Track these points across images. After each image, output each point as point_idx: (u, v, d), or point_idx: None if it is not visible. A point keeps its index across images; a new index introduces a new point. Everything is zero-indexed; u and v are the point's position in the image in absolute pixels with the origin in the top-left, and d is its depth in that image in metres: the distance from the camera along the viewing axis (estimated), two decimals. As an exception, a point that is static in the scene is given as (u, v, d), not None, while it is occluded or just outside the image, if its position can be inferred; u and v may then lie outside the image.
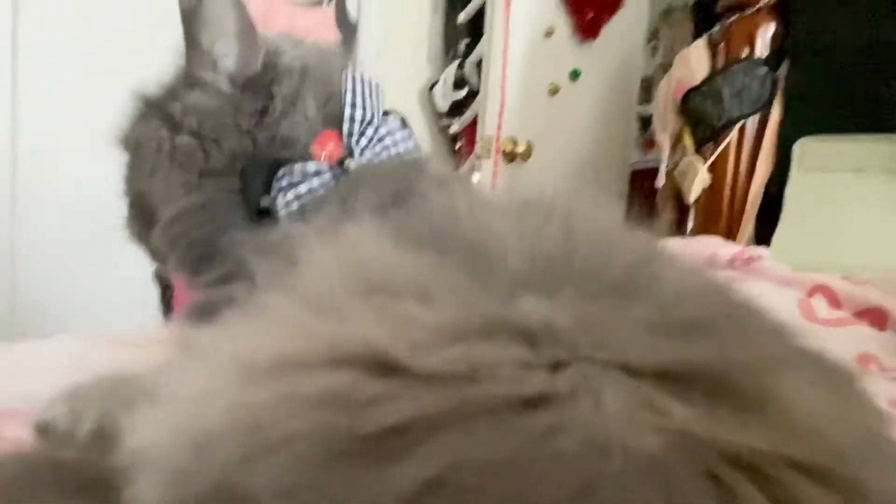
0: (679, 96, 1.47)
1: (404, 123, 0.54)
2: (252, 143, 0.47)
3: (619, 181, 2.21)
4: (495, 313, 0.26)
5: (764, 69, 1.39)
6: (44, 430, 0.49)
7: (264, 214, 0.47)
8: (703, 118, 1.44)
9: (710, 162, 1.43)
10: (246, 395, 0.27)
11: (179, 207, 0.47)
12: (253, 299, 0.33)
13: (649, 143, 2.84)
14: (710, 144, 1.44)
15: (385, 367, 0.26)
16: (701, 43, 1.46)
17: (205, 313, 0.45)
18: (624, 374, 0.24)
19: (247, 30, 0.47)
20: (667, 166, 1.55)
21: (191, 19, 0.47)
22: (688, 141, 1.48)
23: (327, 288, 0.30)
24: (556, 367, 0.24)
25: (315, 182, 0.47)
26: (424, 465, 0.23)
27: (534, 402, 0.23)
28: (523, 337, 0.25)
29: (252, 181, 0.47)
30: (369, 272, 0.30)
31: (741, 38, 1.41)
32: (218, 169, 0.47)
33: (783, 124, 1.38)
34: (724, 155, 1.42)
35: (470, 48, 2.06)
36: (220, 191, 0.47)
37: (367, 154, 0.50)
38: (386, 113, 0.53)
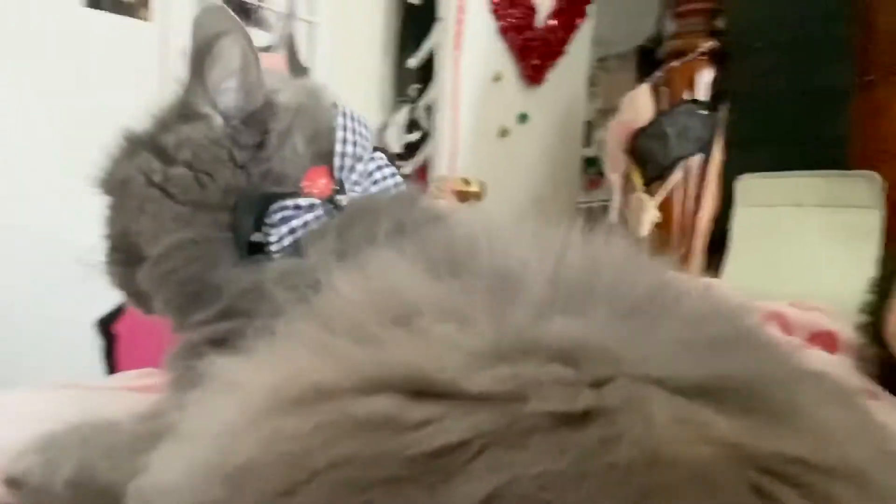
0: (627, 137, 1.53)
1: (390, 160, 0.55)
2: (246, 177, 0.47)
3: (569, 219, 2.27)
4: (531, 334, 0.27)
5: (705, 111, 1.47)
6: (16, 483, 0.46)
7: (255, 251, 0.47)
8: (650, 158, 1.50)
9: (658, 199, 1.49)
10: (284, 424, 0.27)
11: (170, 243, 0.46)
12: (275, 330, 0.32)
13: (591, 183, 2.94)
14: (658, 182, 1.50)
15: (429, 391, 0.26)
16: (645, 87, 1.53)
17: (201, 352, 0.44)
18: (664, 388, 0.25)
19: (253, 67, 0.47)
20: (618, 204, 1.60)
21: (202, 54, 0.47)
22: (637, 180, 1.54)
23: (359, 315, 0.30)
24: (599, 383, 0.25)
25: (308, 217, 0.47)
26: (480, 483, 0.23)
27: (584, 418, 0.24)
28: (562, 356, 0.26)
29: (243, 216, 0.47)
30: (400, 298, 0.30)
31: (682, 82, 1.49)
32: (211, 203, 0.46)
33: (725, 163, 1.45)
34: (671, 193, 1.48)
35: (420, 92, 2.10)
36: (213, 226, 0.46)
37: (358, 190, 0.50)
38: (374, 149, 0.53)
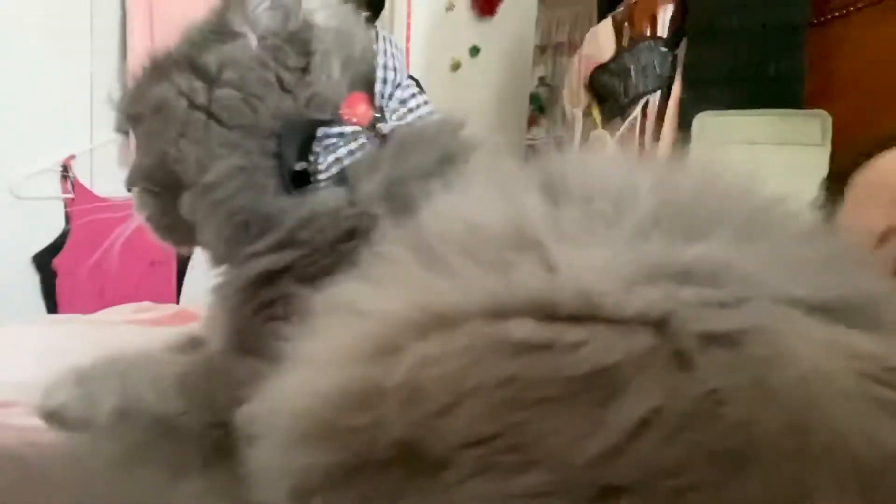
0: (588, 73, 1.54)
1: (420, 88, 0.54)
2: (293, 102, 0.45)
3: (516, 156, 2.28)
4: (670, 258, 0.28)
5: (665, 48, 1.48)
6: (52, 416, 0.45)
7: (299, 179, 0.46)
8: (610, 94, 1.52)
9: (618, 136, 1.51)
10: (426, 349, 0.27)
11: (221, 170, 0.43)
12: (376, 256, 0.32)
13: (531, 121, 2.95)
14: (618, 119, 1.53)
15: (575, 314, 0.26)
16: (608, 22, 1.53)
17: (261, 284, 0.43)
18: (801, 309, 0.27)
19: None
20: (578, 141, 1.62)
21: None
22: (596, 115, 1.55)
23: (477, 239, 0.30)
24: (743, 304, 0.26)
25: (353, 145, 0.46)
26: (638, 401, 0.24)
27: (738, 338, 0.25)
28: (706, 278, 0.27)
29: (289, 143, 0.45)
30: (518, 222, 0.30)
31: (644, 18, 1.50)
32: (261, 127, 0.44)
33: (683, 100, 1.48)
34: (630, 129, 1.51)
35: (370, 21, 2.03)
36: (261, 152, 0.44)
37: (395, 118, 0.49)
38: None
